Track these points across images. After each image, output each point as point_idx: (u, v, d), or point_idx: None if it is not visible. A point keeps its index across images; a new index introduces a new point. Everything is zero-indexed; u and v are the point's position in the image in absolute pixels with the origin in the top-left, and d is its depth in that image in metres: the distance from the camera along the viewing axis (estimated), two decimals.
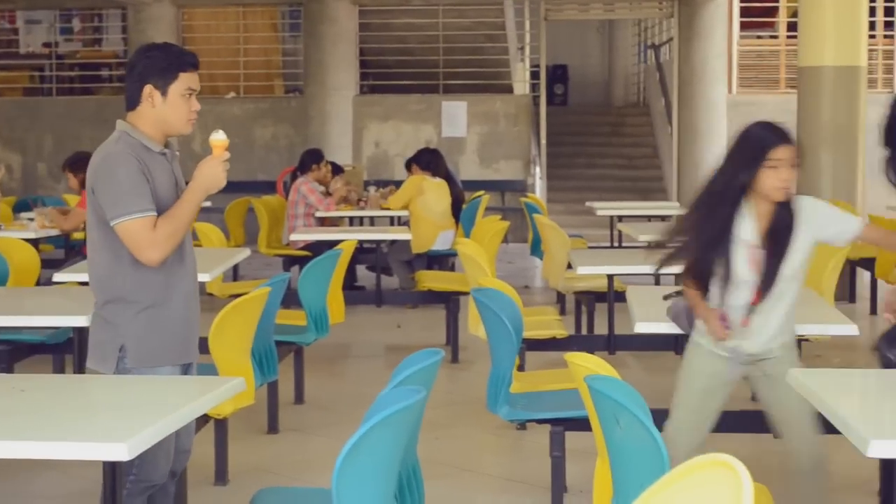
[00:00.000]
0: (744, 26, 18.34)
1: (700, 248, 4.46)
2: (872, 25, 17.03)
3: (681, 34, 17.40)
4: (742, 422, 5.61)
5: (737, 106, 17.32)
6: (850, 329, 5.06)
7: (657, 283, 8.45)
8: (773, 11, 18.61)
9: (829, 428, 3.87)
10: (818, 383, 3.99)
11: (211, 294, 8.98)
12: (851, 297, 11.50)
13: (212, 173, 4.14)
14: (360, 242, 10.56)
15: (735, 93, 17.66)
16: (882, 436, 3.20)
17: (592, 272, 7.62)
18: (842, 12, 11.70)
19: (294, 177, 12.06)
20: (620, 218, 12.39)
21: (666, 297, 4.95)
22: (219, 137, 4.17)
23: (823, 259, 7.25)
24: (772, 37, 18.49)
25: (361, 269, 12.30)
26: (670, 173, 17.93)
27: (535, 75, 18.32)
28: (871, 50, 15.77)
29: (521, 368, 6.35)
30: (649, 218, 12.51)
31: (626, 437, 3.39)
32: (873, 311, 10.91)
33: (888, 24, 18.17)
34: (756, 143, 4.47)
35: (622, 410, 3.37)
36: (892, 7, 18.22)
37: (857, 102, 11.88)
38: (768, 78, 17.88)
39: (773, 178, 4.43)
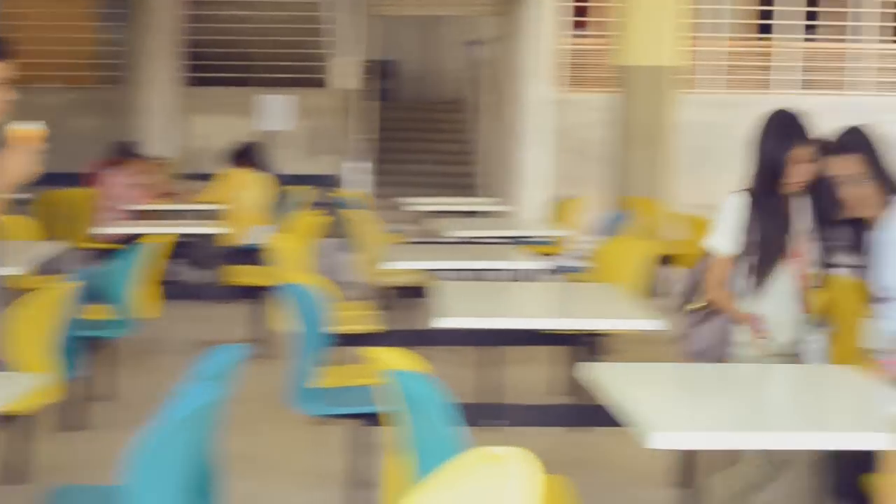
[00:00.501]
0: (568, 25, 18.62)
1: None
2: (692, 27, 17.51)
3: (504, 31, 17.59)
4: (540, 416, 5.72)
5: (559, 104, 17.57)
6: (657, 324, 5.18)
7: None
8: (596, 11, 18.94)
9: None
10: (607, 375, 4.09)
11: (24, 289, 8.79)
12: (656, 293, 11.74)
13: (15, 165, 4.02)
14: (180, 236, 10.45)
15: (554, 90, 17.90)
16: (665, 428, 3.30)
17: (404, 267, 7.66)
18: (658, 13, 11.99)
19: (109, 169, 11.88)
20: (435, 213, 12.44)
21: (688, 310, 4.96)
22: (24, 127, 4.03)
23: (632, 253, 7.43)
24: (596, 36, 18.80)
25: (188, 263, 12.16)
26: (483, 169, 18.14)
27: (367, 70, 18.36)
28: (689, 51, 16.19)
29: (335, 364, 6.36)
30: (460, 213, 12.62)
31: (425, 430, 3.43)
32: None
33: (707, 26, 18.64)
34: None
35: (422, 404, 3.40)
36: (713, 9, 18.71)
37: (668, 102, 12.19)
38: (592, 76, 18.17)
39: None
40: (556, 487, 4.21)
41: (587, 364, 4.24)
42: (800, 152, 4.65)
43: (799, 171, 4.68)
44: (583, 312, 5.56)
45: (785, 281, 4.80)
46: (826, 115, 16.34)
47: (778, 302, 4.78)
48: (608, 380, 3.99)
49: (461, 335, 6.07)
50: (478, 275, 8.34)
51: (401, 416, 3.58)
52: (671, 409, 3.69)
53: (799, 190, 4.73)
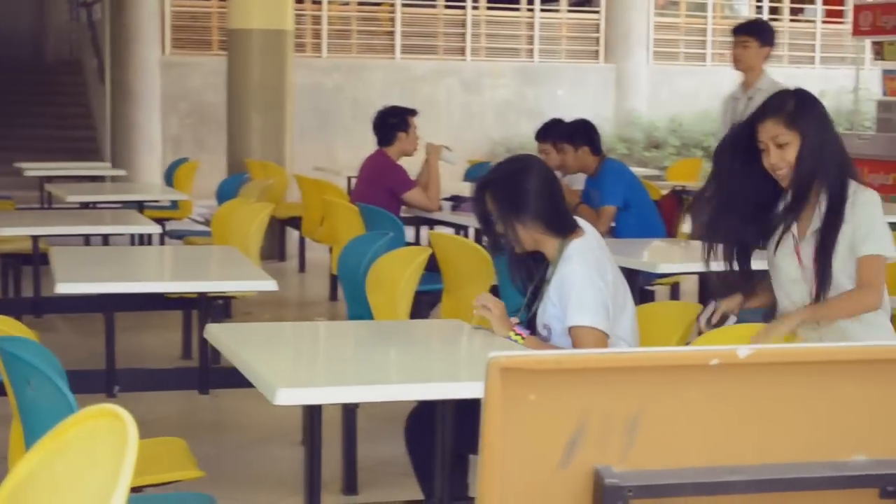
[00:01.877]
0: None
1: None
2: None
3: None
4: (172, 379, 5.67)
5: (170, 67, 17.31)
6: (270, 285, 5.21)
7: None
8: None
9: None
10: (232, 337, 4.10)
11: None
12: (281, 256, 11.84)
13: None
14: None
15: (168, 53, 17.63)
16: (289, 384, 3.34)
17: (14, 234, 7.39)
18: None
19: None
20: (50, 179, 12.05)
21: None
22: None
23: (249, 216, 7.43)
24: None
25: None
26: (104, 134, 17.66)
27: None
28: (299, 15, 16.26)
29: None
30: (80, 178, 12.28)
31: (37, 398, 3.34)
32: (301, 268, 11.30)
33: None
34: None
35: (32, 371, 3.31)
36: None
37: (285, 65, 12.22)
38: (201, 39, 17.98)
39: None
40: (168, 447, 4.19)
41: (213, 326, 4.23)
42: None
43: None
44: (200, 275, 5.52)
45: None
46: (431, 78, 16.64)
47: None
48: (232, 340, 3.99)
49: (80, 301, 5.92)
50: (96, 241, 8.15)
51: (16, 384, 3.47)
52: (294, 367, 3.73)
53: None
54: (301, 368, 3.70)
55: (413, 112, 8.34)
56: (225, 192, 9.85)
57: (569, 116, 8.85)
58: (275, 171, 11.17)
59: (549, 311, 4.06)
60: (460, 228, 8.83)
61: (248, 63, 12.09)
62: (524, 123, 18.90)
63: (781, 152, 3.95)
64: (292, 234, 11.90)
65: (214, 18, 17.97)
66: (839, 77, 20.97)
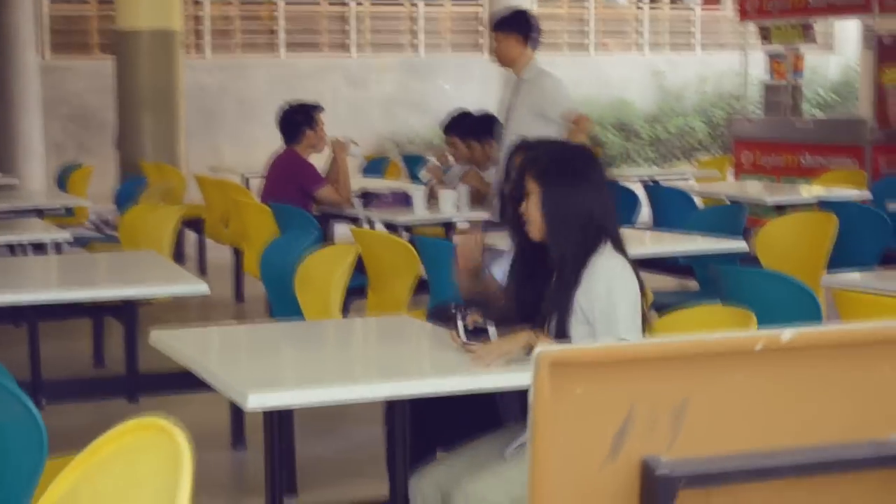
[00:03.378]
0: None
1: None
2: None
3: None
4: (98, 388, 5.54)
5: (50, 71, 16.94)
6: (202, 288, 5.10)
7: None
8: None
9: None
10: (181, 342, 4.01)
11: None
12: (180, 259, 11.64)
13: None
14: None
15: (48, 58, 17.26)
16: (258, 388, 3.26)
17: None
18: None
19: None
20: None
21: None
22: None
23: (160, 221, 7.31)
24: (82, 1, 18.23)
25: None
26: None
27: None
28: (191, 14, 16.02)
29: None
30: None
31: None
32: (202, 270, 11.13)
33: None
34: None
35: None
36: None
37: (175, 66, 12.04)
38: (81, 42, 17.63)
39: None
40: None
41: (158, 333, 4.12)
42: None
43: None
44: (132, 280, 5.38)
45: None
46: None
47: None
48: (184, 346, 3.91)
49: (14, 312, 5.74)
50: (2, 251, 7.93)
51: None
52: (258, 370, 3.65)
53: None
54: (265, 371, 3.62)
55: (319, 108, 8.26)
56: (124, 197, 9.66)
57: (462, 109, 8.88)
58: (170, 173, 11.00)
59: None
60: (371, 224, 8.77)
61: (137, 64, 11.89)
62: (411, 117, 18.88)
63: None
64: (189, 237, 11.73)
65: (94, 21, 17.64)
66: (718, 62, 21.30)
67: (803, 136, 12.60)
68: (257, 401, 3.20)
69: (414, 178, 11.04)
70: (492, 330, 3.62)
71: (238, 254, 9.48)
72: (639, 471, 1.91)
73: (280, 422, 3.80)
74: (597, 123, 19.84)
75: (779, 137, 12.85)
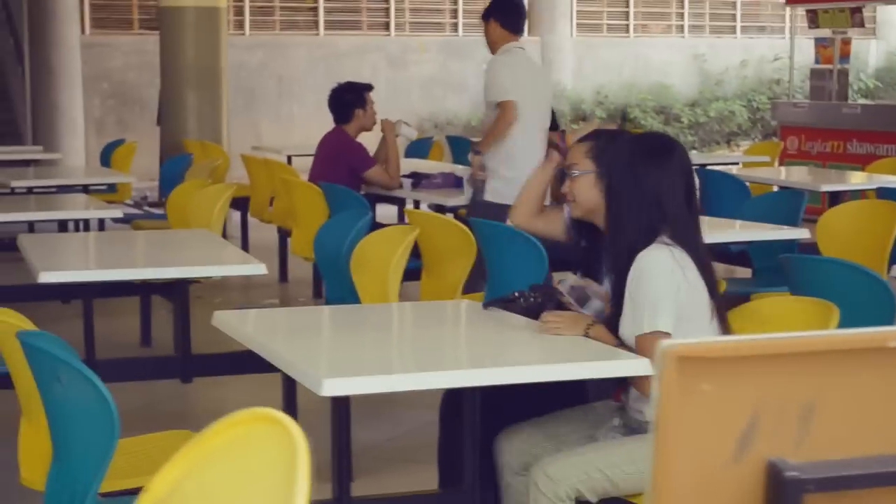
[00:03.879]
0: None
1: None
2: None
3: None
4: (152, 368, 5.49)
5: (91, 47, 16.92)
6: (260, 268, 5.04)
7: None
8: None
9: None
10: (245, 325, 3.95)
11: None
12: (223, 237, 11.58)
13: None
14: None
15: (88, 33, 17.23)
16: (333, 374, 3.20)
17: None
18: None
19: None
20: None
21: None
22: None
23: (210, 199, 7.25)
24: None
25: None
26: (24, 116, 17.24)
27: None
28: None
29: None
30: (4, 163, 11.94)
31: (67, 395, 3.17)
32: (245, 250, 11.06)
33: None
34: None
35: (62, 366, 3.14)
36: None
37: (219, 43, 11.99)
38: (121, 18, 17.60)
39: None
40: (175, 442, 4.03)
41: (222, 314, 4.06)
42: None
43: None
44: (187, 260, 5.32)
45: None
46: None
47: None
48: (249, 329, 3.84)
49: (65, 289, 5.70)
50: (44, 226, 7.89)
51: (42, 379, 3.29)
52: (328, 355, 3.58)
53: None
54: (335, 356, 3.55)
55: (369, 87, 8.19)
56: (169, 174, 9.61)
57: None
58: (214, 151, 10.94)
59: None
60: (416, 206, 8.69)
61: (181, 41, 11.84)
62: (450, 98, 18.79)
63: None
64: (232, 216, 11.67)
65: None
66: (759, 46, 21.13)
67: (850, 122, 12.46)
68: (332, 387, 3.14)
69: (458, 159, 10.96)
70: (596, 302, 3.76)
71: (283, 234, 9.41)
72: (764, 473, 1.83)
73: (338, 407, 3.73)
74: (637, 107, 19.73)
75: (825, 123, 12.71)
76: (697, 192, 3.80)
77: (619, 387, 3.72)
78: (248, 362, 5.57)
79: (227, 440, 1.68)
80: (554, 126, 7.75)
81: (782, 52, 20.89)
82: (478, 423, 3.66)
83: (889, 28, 21.93)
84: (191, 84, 11.83)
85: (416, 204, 8.72)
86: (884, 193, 7.35)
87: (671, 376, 1.77)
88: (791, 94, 14.40)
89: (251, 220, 10.52)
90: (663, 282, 3.48)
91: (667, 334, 3.47)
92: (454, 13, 19.25)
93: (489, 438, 3.86)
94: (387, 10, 18.79)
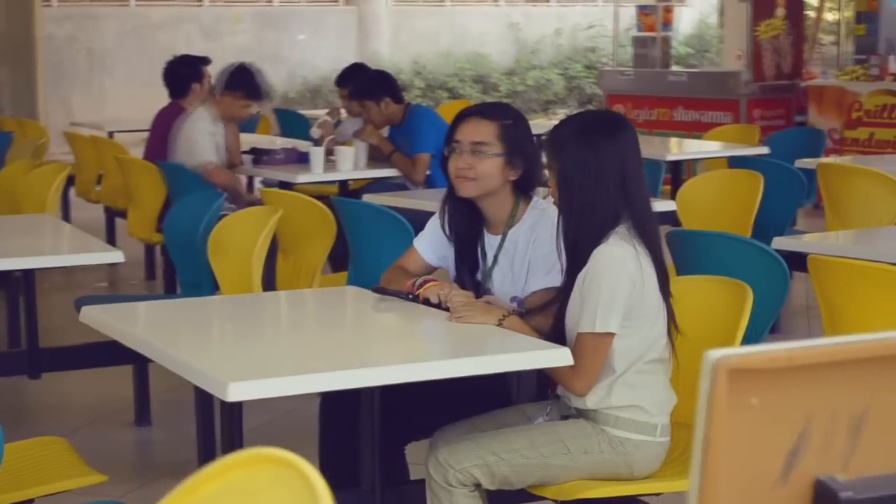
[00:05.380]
0: None
1: None
2: None
3: None
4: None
5: None
6: (117, 256, 4.71)
7: None
8: None
9: None
10: (118, 319, 3.64)
11: None
12: None
13: None
14: None
15: None
16: (237, 377, 2.92)
17: None
18: None
19: None
20: None
21: None
22: None
23: (44, 180, 6.83)
24: None
25: None
26: None
27: None
28: None
29: None
30: None
31: None
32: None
33: None
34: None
35: None
36: None
37: (32, 14, 11.42)
38: None
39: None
40: (50, 449, 3.72)
41: (89, 308, 3.73)
42: None
43: None
44: (38, 249, 4.94)
45: None
46: None
47: None
48: (124, 324, 3.53)
49: None
50: None
51: None
52: (223, 354, 3.30)
53: None
54: (234, 356, 3.27)
55: (207, 61, 7.83)
56: None
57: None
58: (33, 128, 10.40)
59: (514, 282, 3.74)
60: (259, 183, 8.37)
61: None
62: (267, 69, 18.23)
63: None
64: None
65: None
66: (572, 14, 21.23)
67: (676, 89, 12.53)
68: (238, 391, 2.87)
69: (286, 132, 10.65)
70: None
71: (111, 214, 8.99)
72: (811, 492, 1.65)
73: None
74: (455, 76, 19.62)
75: (652, 91, 12.76)
76: None
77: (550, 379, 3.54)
78: (98, 355, 5.26)
79: (223, 487, 1.41)
80: (367, 95, 7.58)
81: (596, 20, 21.03)
82: (378, 424, 3.42)
83: None
84: (2, 57, 11.23)
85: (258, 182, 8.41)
86: (736, 162, 7.33)
87: (721, 392, 1.57)
88: (615, 62, 14.42)
89: (75, 199, 10.03)
90: (621, 281, 3.28)
91: (612, 335, 3.30)
92: None
93: (390, 437, 3.64)
94: None
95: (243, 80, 7.30)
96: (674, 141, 9.49)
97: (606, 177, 3.36)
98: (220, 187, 6.86)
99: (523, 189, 3.81)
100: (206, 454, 3.90)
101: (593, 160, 3.36)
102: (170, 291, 7.26)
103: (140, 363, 5.22)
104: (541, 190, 3.83)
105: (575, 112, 4.11)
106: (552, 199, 3.53)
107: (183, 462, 5.21)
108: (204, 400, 3.70)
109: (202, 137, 7.09)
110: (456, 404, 3.58)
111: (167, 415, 5.77)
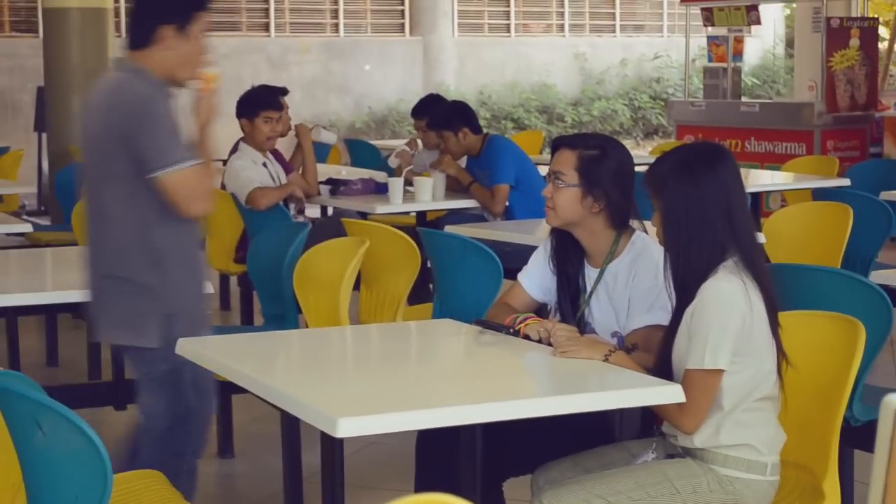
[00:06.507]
0: None
1: None
2: None
3: None
4: (85, 396, 5.08)
5: None
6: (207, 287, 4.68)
7: None
8: None
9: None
10: (217, 352, 3.60)
11: None
12: None
13: (211, 108, 4.14)
14: None
15: None
16: (346, 413, 2.87)
17: None
18: None
19: None
20: None
21: None
22: (211, 71, 4.21)
23: None
24: None
25: None
26: None
27: None
28: None
29: None
30: None
31: (50, 445, 2.79)
32: None
33: None
34: None
35: (42, 411, 2.76)
36: None
37: (106, 45, 11.47)
38: None
39: None
40: (147, 482, 3.68)
41: (185, 341, 3.70)
42: None
43: None
44: None
45: None
46: None
47: None
48: (225, 358, 3.50)
49: None
50: None
51: (17, 429, 2.90)
52: (332, 390, 3.24)
53: None
54: (336, 390, 3.22)
55: (284, 91, 7.81)
56: (66, 184, 9.10)
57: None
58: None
59: (614, 316, 3.68)
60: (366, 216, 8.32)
61: (65, 44, 11.29)
62: (333, 99, 18.43)
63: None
64: None
65: None
66: (638, 45, 21.17)
67: (748, 120, 12.43)
68: (348, 427, 2.82)
69: (357, 163, 10.64)
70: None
71: None
72: None
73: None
74: (521, 107, 19.59)
75: (723, 122, 12.66)
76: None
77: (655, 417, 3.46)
78: None
79: None
80: (445, 125, 7.54)
81: (661, 50, 20.96)
82: (479, 461, 3.35)
83: (762, 26, 22.13)
84: (76, 89, 11.27)
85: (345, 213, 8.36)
86: (819, 194, 7.22)
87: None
88: (686, 93, 14.33)
89: None
90: (730, 316, 3.21)
91: (721, 372, 3.23)
92: (335, 13, 18.88)
93: (490, 476, 3.58)
94: (266, 10, 18.35)
95: (249, 101, 7.37)
96: (753, 173, 9.37)
97: (711, 211, 3.29)
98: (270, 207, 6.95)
99: (620, 222, 3.75)
100: (293, 488, 3.87)
101: (696, 195, 3.29)
102: (247, 322, 7.25)
103: (224, 395, 5.18)
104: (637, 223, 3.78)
105: (672, 147, 4.01)
106: (655, 235, 3.47)
107: (267, 496, 5.17)
108: (292, 433, 3.67)
109: (242, 170, 7.11)
110: (558, 440, 3.52)
111: (250, 447, 5.74)
